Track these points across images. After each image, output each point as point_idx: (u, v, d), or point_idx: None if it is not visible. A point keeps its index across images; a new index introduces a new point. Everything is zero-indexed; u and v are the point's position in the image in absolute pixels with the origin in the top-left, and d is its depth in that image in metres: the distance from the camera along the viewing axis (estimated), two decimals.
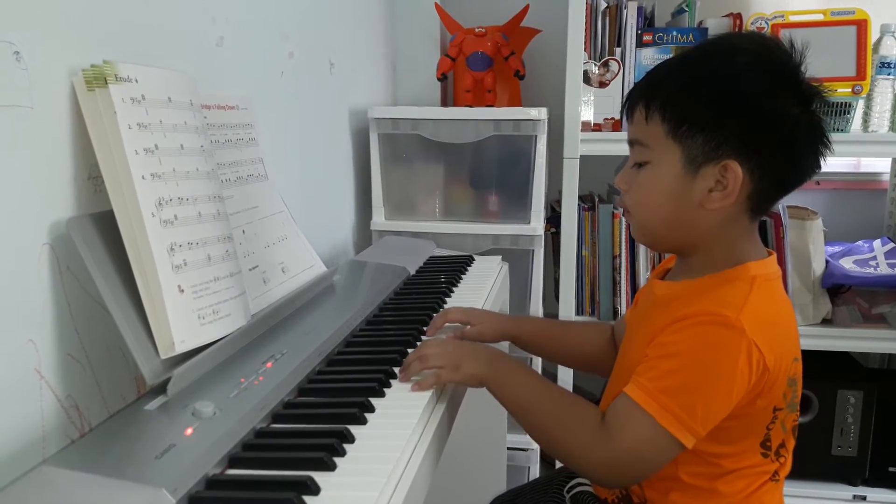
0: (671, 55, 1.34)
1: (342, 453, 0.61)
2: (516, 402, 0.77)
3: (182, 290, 0.70)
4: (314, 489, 0.55)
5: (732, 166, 0.72)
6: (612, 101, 1.65)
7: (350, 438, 0.63)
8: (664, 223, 0.78)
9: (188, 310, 0.71)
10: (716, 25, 1.67)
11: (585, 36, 1.60)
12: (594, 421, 0.73)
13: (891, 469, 1.67)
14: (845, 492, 1.67)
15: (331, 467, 0.58)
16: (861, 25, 1.56)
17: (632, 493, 0.81)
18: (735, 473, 0.76)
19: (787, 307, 0.79)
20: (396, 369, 0.79)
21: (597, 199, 1.73)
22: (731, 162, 0.72)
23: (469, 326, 0.93)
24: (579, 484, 0.88)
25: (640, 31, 1.66)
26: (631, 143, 0.79)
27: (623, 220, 1.67)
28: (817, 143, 0.74)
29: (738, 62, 0.73)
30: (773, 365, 0.71)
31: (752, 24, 1.62)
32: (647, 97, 0.76)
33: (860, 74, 1.56)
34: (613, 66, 1.66)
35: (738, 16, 1.67)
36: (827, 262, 1.64)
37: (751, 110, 0.72)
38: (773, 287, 0.77)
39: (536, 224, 1.57)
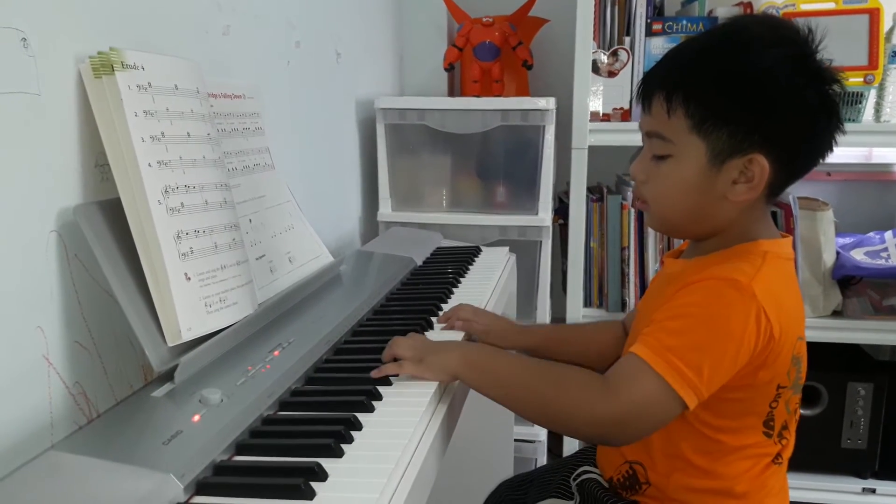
0: None
1: (350, 440, 0.60)
2: (502, 386, 0.75)
3: (189, 278, 0.70)
4: (322, 475, 0.55)
5: (759, 159, 0.72)
6: (620, 90, 1.64)
7: (357, 426, 0.63)
8: (685, 215, 0.78)
9: (195, 297, 0.71)
10: (726, 14, 1.65)
11: (594, 25, 1.59)
12: (595, 379, 0.72)
13: None
14: (855, 484, 1.66)
15: (338, 454, 0.58)
16: (874, 14, 1.54)
17: (637, 474, 0.81)
18: (737, 454, 0.76)
19: (795, 288, 0.79)
20: None
21: (605, 190, 1.72)
22: (757, 155, 0.72)
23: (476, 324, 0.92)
24: (586, 472, 0.88)
25: (649, 20, 1.64)
26: (649, 134, 0.78)
27: (631, 211, 1.66)
28: (833, 128, 0.75)
29: (766, 56, 0.72)
30: (778, 335, 0.71)
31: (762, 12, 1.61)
32: (667, 89, 0.74)
33: (872, 64, 1.54)
34: (622, 55, 1.64)
35: (749, 5, 1.65)
36: (838, 253, 1.62)
37: (777, 106, 0.72)
38: (785, 266, 0.77)
39: (544, 215, 1.56)
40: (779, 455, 0.79)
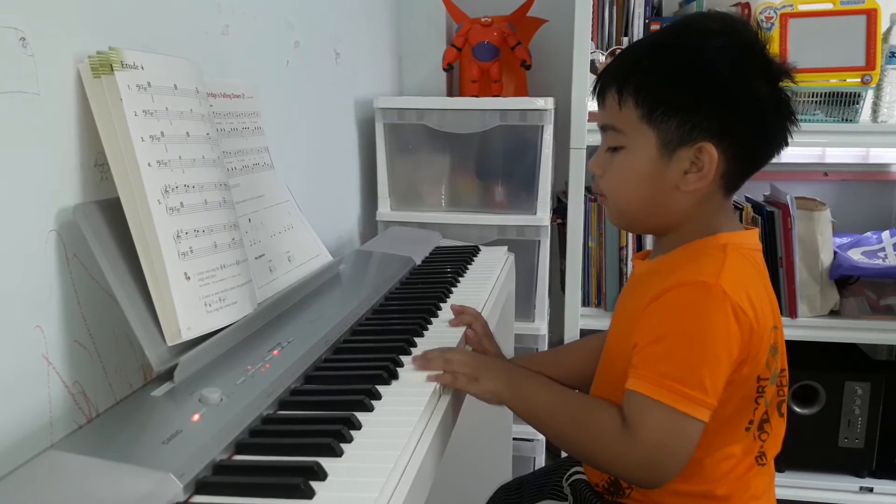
0: None
1: (349, 440, 0.61)
2: (536, 417, 0.77)
3: (188, 278, 0.70)
4: (321, 475, 0.55)
5: (707, 148, 0.73)
6: None
7: (357, 425, 0.63)
8: (640, 206, 0.78)
9: (195, 297, 0.71)
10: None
11: (592, 25, 1.59)
12: (616, 424, 0.71)
13: None
14: (852, 483, 1.67)
15: (338, 453, 0.58)
16: (871, 15, 1.54)
17: (619, 480, 0.80)
18: (718, 454, 0.75)
19: (764, 278, 0.78)
20: (403, 357, 0.79)
21: None
22: (705, 144, 0.73)
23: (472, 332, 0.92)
24: (576, 472, 0.88)
25: (647, 21, 1.65)
26: (604, 128, 0.79)
27: None
28: (786, 121, 0.75)
29: (711, 45, 0.73)
30: (756, 327, 0.71)
31: (760, 13, 1.61)
32: (618, 82, 0.76)
33: (870, 64, 1.54)
34: None
35: (747, 5, 1.65)
36: (835, 253, 1.63)
37: (724, 94, 0.73)
38: (749, 256, 0.77)
39: (543, 215, 1.56)
40: (762, 454, 0.78)
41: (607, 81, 0.77)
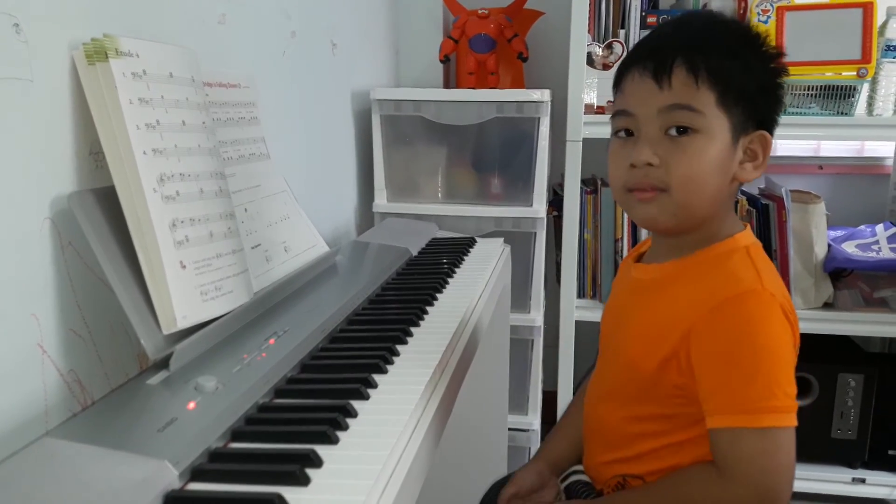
0: None
1: (345, 427, 0.61)
2: None
3: (184, 266, 0.70)
4: (317, 462, 0.55)
5: (766, 136, 0.73)
6: None
7: (352, 413, 0.63)
8: (709, 199, 0.72)
9: (190, 286, 0.71)
10: (720, 7, 1.65)
11: (589, 18, 1.59)
12: (711, 478, 0.68)
13: (890, 452, 1.68)
14: (844, 474, 1.68)
15: (333, 441, 0.58)
16: (867, 8, 1.54)
17: (626, 486, 0.79)
18: None
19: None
20: (399, 347, 0.79)
21: (599, 183, 1.72)
22: (764, 132, 0.73)
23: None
24: (573, 472, 0.87)
25: (644, 13, 1.64)
26: (672, 108, 0.70)
27: None
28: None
29: (762, 35, 0.74)
30: (796, 321, 0.71)
31: (757, 6, 1.61)
32: (690, 59, 0.70)
33: (865, 57, 1.54)
34: (617, 48, 1.64)
35: None
36: (829, 245, 1.63)
37: (777, 82, 0.74)
38: (762, 253, 0.76)
39: (539, 207, 1.56)
40: None
41: (673, 57, 0.70)
